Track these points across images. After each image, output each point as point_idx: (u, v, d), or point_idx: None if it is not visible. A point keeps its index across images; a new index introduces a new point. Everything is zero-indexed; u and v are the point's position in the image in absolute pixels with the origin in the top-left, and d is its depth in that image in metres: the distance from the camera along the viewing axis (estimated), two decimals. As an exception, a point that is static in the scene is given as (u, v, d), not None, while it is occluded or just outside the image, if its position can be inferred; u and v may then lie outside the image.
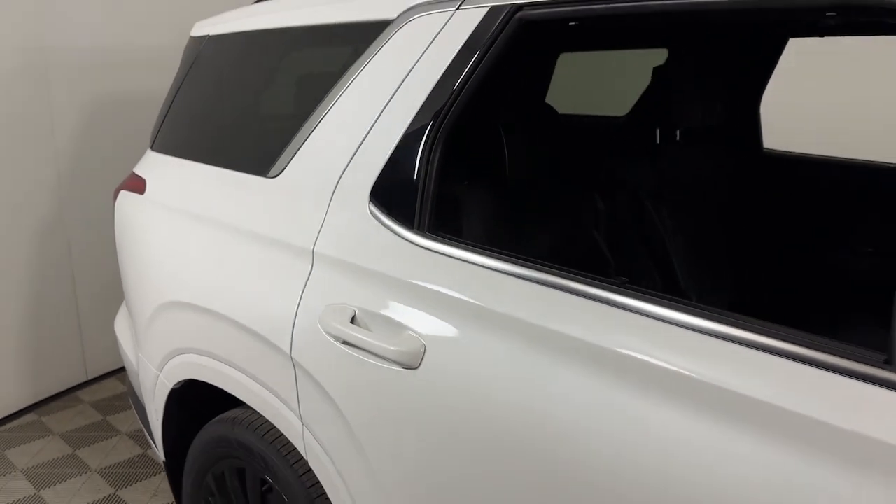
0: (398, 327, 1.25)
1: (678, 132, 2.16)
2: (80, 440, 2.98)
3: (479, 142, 1.59)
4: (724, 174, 2.22)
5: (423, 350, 1.21)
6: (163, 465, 2.03)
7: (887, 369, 0.81)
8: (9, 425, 3.11)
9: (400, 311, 1.26)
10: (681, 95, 2.08)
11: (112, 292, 3.36)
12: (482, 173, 1.59)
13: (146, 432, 2.10)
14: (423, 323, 1.23)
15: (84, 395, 3.39)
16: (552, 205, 1.74)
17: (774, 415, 0.86)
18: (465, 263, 1.22)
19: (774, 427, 0.85)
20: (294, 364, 1.41)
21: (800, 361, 0.86)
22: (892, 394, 0.80)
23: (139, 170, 2.09)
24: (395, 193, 1.34)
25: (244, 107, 1.79)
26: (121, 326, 2.24)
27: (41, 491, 2.64)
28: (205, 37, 2.01)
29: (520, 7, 1.24)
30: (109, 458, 2.85)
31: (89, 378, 3.48)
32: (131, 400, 2.18)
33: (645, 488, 0.94)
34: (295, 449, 1.51)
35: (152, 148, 2.11)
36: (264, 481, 1.64)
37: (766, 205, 2.28)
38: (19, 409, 3.20)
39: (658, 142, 2.17)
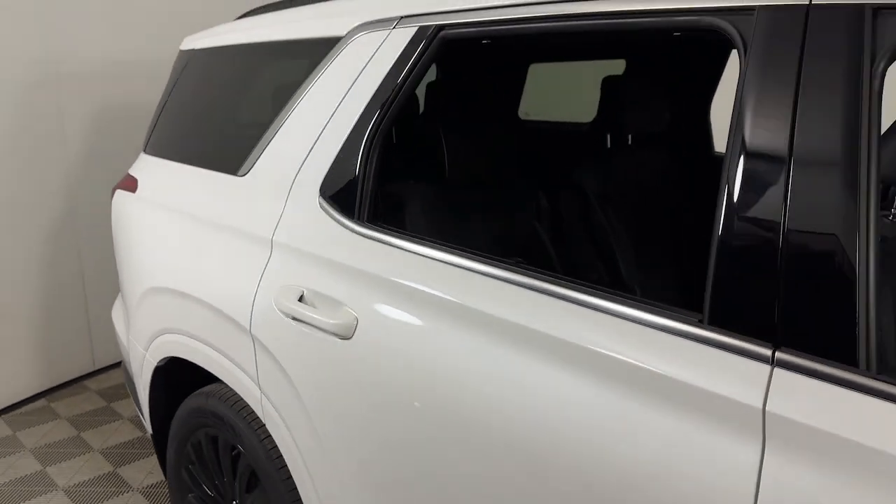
0: (337, 304, 1.45)
1: (630, 137, 2.34)
2: (85, 423, 3.20)
3: (421, 144, 1.78)
4: (673, 176, 2.38)
5: (355, 322, 1.40)
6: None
7: (701, 327, 0.99)
8: (21, 409, 3.34)
9: (339, 290, 1.45)
10: (632, 104, 2.25)
11: (118, 289, 3.58)
12: (424, 172, 1.78)
13: (137, 408, 2.30)
14: (357, 300, 1.42)
15: (91, 383, 3.62)
16: (494, 201, 1.92)
17: (615, 365, 1.03)
18: (396, 249, 1.41)
19: (616, 375, 1.03)
20: (253, 339, 1.61)
21: (634, 322, 1.04)
22: (704, 346, 0.98)
23: (133, 170, 2.31)
24: (339, 189, 1.53)
25: (221, 113, 1.99)
26: (117, 314, 2.45)
27: (47, 468, 2.86)
28: (190, 50, 2.22)
29: (442, 27, 1.43)
30: (111, 439, 3.07)
31: (96, 368, 3.71)
32: (125, 379, 2.39)
33: (528, 431, 1.13)
34: (257, 417, 1.71)
35: (145, 151, 2.33)
36: (234, 447, 1.84)
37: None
38: (31, 395, 3.43)
39: (609, 146, 2.34)
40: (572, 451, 1.06)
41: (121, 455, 2.94)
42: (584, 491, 1.05)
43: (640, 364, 1.01)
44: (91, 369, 3.69)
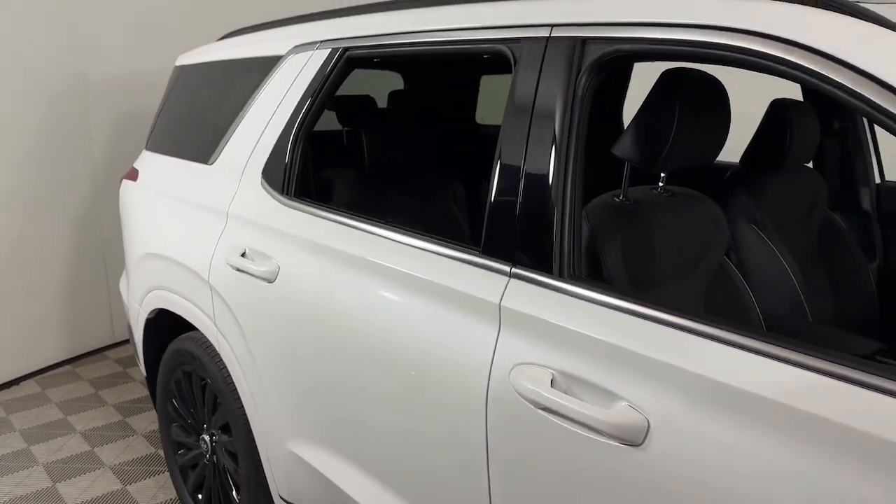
0: (266, 257, 1.93)
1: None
2: (103, 384, 3.74)
3: (346, 139, 2.26)
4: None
5: (278, 269, 1.88)
6: (144, 380, 2.74)
7: (479, 255, 1.44)
8: (49, 373, 3.89)
9: (269, 247, 1.93)
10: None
11: (134, 270, 4.13)
12: (348, 161, 2.26)
13: (135, 355, 2.81)
14: (280, 253, 1.90)
15: (111, 353, 4.16)
16: (412, 186, 2.39)
17: (427, 284, 1.49)
18: (310, 216, 1.88)
19: (426, 290, 1.49)
20: (211, 287, 2.10)
21: (447, 258, 1.50)
22: (479, 268, 1.43)
23: (136, 164, 2.82)
24: (274, 173, 2.02)
25: (201, 117, 2.49)
26: (123, 284, 2.97)
27: (68, 416, 3.39)
28: (181, 66, 2.74)
29: (347, 49, 1.91)
30: (123, 396, 3.59)
31: (116, 340, 4.26)
32: (129, 334, 2.90)
33: (377, 332, 1.59)
34: (216, 350, 2.19)
35: (146, 148, 2.84)
36: (202, 380, 2.33)
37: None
38: (58, 361, 3.98)
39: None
40: (399, 342, 1.52)
41: (130, 408, 3.46)
42: (400, 360, 1.51)
43: (440, 283, 1.47)
44: (111, 341, 4.24)
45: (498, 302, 1.36)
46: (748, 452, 1.02)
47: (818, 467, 0.95)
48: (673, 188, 1.73)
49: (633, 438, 1.13)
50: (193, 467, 2.51)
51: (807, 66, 1.06)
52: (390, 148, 2.31)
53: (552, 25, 1.42)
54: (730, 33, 1.16)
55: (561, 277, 1.31)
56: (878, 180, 2.42)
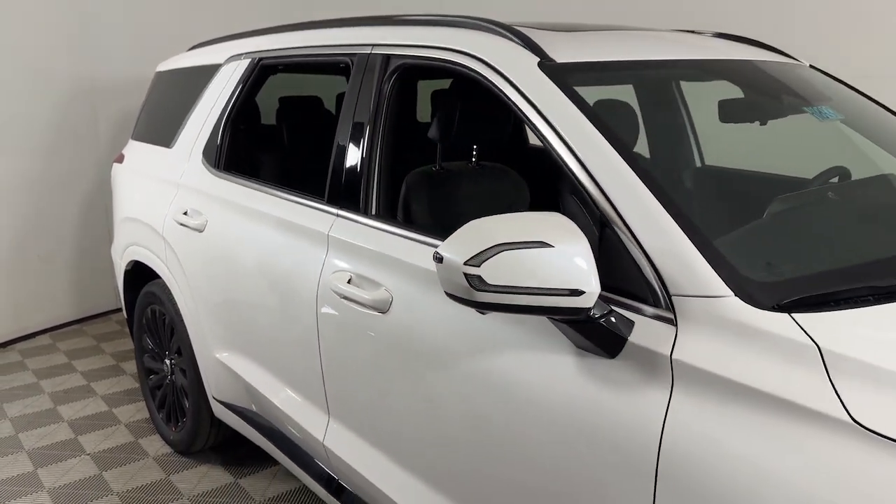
0: (199, 213, 2.59)
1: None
2: (104, 339, 4.45)
3: (268, 129, 2.92)
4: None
5: (206, 222, 2.54)
6: (125, 320, 3.43)
7: (322, 203, 2.08)
8: (59, 330, 4.61)
9: (202, 206, 2.60)
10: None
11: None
12: (268, 144, 2.92)
13: (118, 299, 3.50)
14: (209, 210, 2.55)
15: (116, 316, 4.88)
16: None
17: (294, 226, 2.14)
18: (232, 183, 2.54)
19: (293, 229, 2.14)
20: (164, 240, 2.77)
21: (306, 206, 2.14)
22: (326, 214, 2.07)
23: (124, 150, 3.51)
24: (210, 152, 2.68)
25: (167, 111, 3.17)
26: (112, 247, 3.66)
27: (72, 361, 4.10)
28: (159, 72, 3.42)
29: (261, 59, 2.57)
30: (119, 348, 4.29)
31: (120, 306, 4.97)
32: (115, 285, 3.59)
33: (264, 259, 2.24)
34: (170, 290, 2.86)
35: (132, 137, 3.53)
36: (163, 315, 3.00)
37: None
38: (67, 320, 4.70)
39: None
40: (275, 265, 2.17)
41: (123, 356, 4.16)
42: (273, 273, 2.16)
43: (299, 223, 2.11)
44: (116, 306, 4.95)
45: (327, 232, 2.00)
46: (444, 311, 1.64)
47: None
48: (485, 163, 2.35)
49: (383, 308, 1.76)
50: (159, 388, 3.18)
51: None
52: (299, 135, 2.98)
53: (373, 45, 2.06)
54: (446, 51, 1.80)
55: (367, 216, 1.94)
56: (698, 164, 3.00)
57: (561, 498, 1.40)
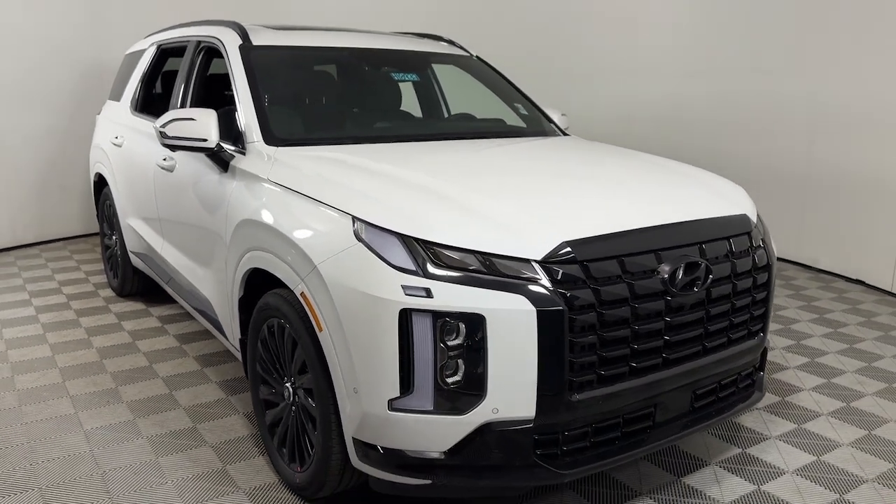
0: (123, 137, 4.34)
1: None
2: (79, 251, 6.28)
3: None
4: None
5: (124, 141, 4.29)
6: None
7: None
8: (72, 240, 6.48)
9: (122, 134, 4.35)
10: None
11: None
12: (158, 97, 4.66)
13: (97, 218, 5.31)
14: (125, 136, 4.30)
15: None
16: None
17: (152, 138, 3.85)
18: (141, 119, 4.27)
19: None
20: (106, 153, 4.54)
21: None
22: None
23: (104, 107, 5.31)
24: (133, 102, 4.43)
25: (122, 79, 4.94)
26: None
27: (81, 266, 5.93)
28: (126, 53, 5.21)
29: (161, 44, 4.30)
30: (94, 267, 6.12)
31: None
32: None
33: (151, 161, 3.97)
34: (111, 191, 4.61)
35: (108, 98, 5.32)
36: (111, 205, 4.77)
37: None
38: (78, 234, 6.57)
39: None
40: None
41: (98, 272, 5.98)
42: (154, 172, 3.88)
43: (150, 132, 3.83)
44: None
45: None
46: (188, 165, 3.31)
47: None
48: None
49: (172, 170, 3.45)
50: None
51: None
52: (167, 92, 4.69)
53: (200, 38, 3.74)
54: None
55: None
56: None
57: (202, 232, 3.07)
